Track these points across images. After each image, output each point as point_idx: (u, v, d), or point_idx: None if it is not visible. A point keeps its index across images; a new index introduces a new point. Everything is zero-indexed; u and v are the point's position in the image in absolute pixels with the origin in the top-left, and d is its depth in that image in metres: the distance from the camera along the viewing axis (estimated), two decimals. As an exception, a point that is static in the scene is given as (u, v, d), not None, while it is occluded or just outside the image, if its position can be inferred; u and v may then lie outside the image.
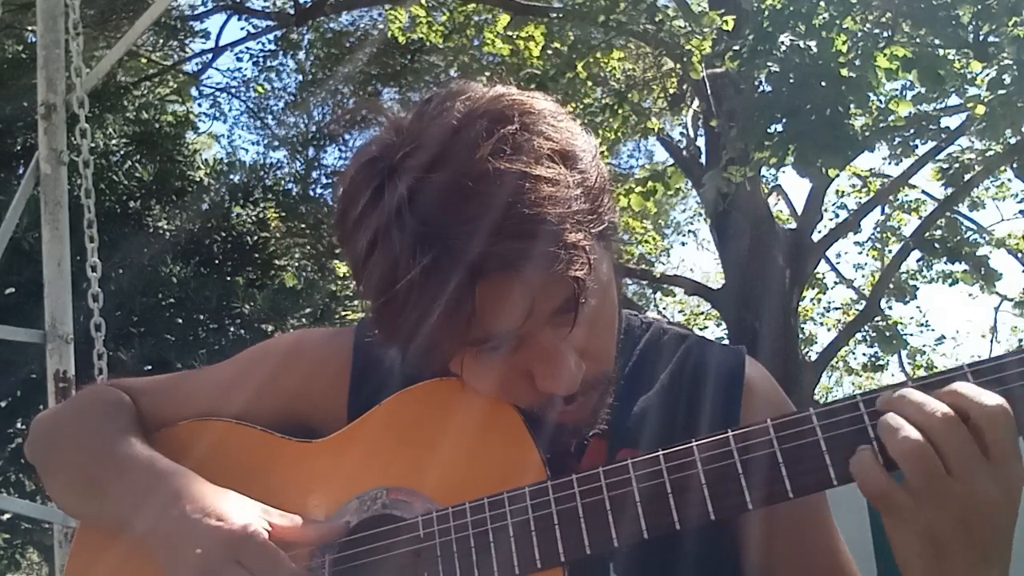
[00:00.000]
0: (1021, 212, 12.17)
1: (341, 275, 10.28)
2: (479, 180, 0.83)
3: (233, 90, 13.48)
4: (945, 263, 10.48)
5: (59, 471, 1.11)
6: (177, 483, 0.99)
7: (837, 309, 13.93)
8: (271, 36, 12.79)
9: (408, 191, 0.85)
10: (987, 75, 7.15)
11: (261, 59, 12.94)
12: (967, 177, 9.24)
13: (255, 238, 9.28)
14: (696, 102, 10.55)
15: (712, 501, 0.83)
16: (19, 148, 8.43)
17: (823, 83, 6.61)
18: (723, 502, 0.83)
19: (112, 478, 1.03)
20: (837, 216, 11.87)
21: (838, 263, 13.47)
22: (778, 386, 1.08)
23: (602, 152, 0.96)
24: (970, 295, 12.32)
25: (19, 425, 7.76)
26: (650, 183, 8.07)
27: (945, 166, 9.39)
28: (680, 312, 15.04)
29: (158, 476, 1.00)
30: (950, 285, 10.84)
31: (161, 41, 12.26)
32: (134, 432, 1.07)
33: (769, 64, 6.86)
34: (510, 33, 9.47)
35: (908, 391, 0.79)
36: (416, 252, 0.83)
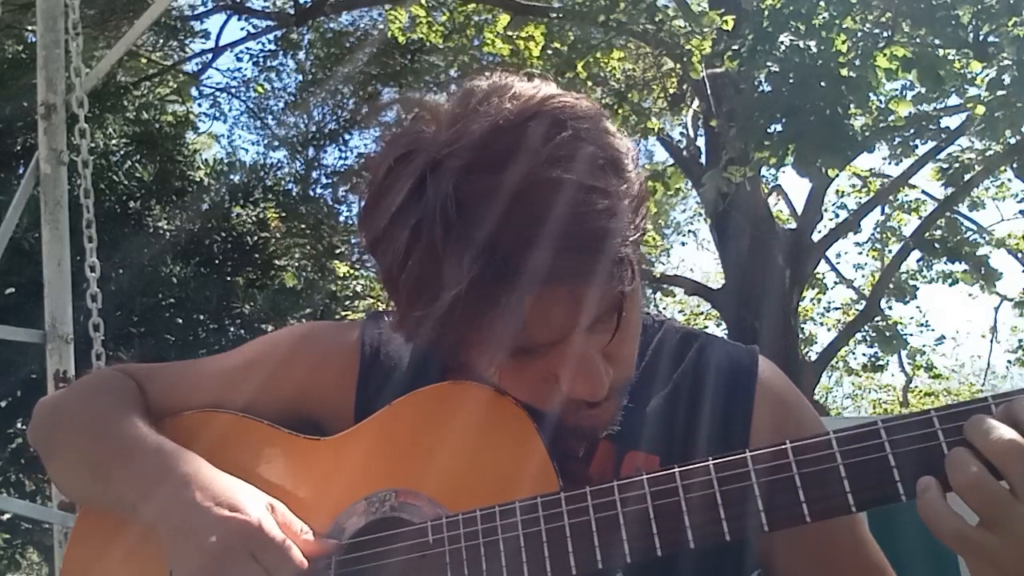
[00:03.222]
0: (1021, 212, 12.18)
1: (341, 275, 10.29)
2: (536, 188, 0.79)
3: (233, 90, 13.48)
4: (945, 263, 10.49)
5: (62, 453, 1.08)
6: (187, 468, 0.96)
7: (837, 309, 13.94)
8: (271, 36, 12.79)
9: (454, 190, 0.80)
10: (987, 75, 7.16)
11: (261, 59, 12.94)
12: (967, 177, 9.25)
13: (255, 238, 9.26)
14: (696, 102, 10.55)
15: (728, 522, 0.81)
16: (19, 148, 8.41)
17: (823, 83, 6.62)
18: (739, 523, 0.81)
19: (118, 461, 1.00)
20: (837, 216, 11.87)
21: (838, 263, 13.48)
22: (792, 384, 1.07)
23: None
24: (970, 295, 12.30)
25: (19, 425, 7.74)
26: (650, 183, 8.06)
27: (945, 166, 9.39)
28: (680, 312, 15.02)
29: (166, 460, 0.98)
30: (950, 285, 10.83)
31: (161, 41, 12.25)
32: (141, 416, 1.04)
33: (769, 64, 6.87)
34: (510, 33, 9.48)
35: (976, 420, 0.76)
36: (464, 259, 0.78)
